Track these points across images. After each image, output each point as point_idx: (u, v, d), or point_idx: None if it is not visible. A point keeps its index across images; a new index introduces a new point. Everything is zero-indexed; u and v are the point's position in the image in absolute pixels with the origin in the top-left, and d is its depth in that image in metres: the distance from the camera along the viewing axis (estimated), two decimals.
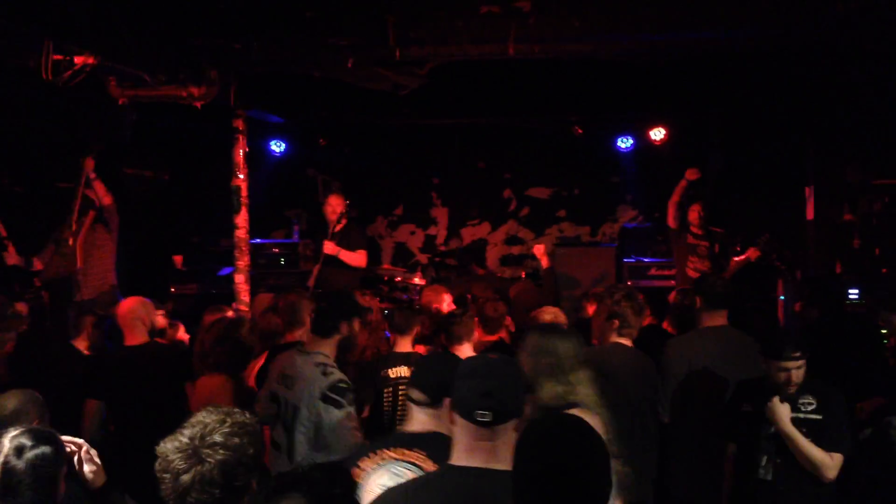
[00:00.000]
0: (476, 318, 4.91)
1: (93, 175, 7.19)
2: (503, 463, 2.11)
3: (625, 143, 10.01)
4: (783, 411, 3.65)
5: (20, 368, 5.13)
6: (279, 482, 2.24)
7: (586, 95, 8.52)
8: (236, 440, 2.14)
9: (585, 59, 6.61)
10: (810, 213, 8.45)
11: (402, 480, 2.53)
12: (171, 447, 2.12)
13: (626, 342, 4.24)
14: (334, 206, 7.96)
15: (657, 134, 9.45)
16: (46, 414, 3.43)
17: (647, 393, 4.23)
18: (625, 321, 4.22)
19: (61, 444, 2.53)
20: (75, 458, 2.61)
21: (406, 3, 5.63)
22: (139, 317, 4.95)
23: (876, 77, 6.93)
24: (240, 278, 7.26)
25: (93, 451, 2.66)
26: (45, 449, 2.44)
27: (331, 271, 7.70)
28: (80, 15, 4.58)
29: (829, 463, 3.60)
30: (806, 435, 3.62)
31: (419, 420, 2.75)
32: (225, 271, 8.74)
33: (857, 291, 7.30)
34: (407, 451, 2.69)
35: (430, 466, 2.60)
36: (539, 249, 7.43)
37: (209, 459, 2.09)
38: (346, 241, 7.84)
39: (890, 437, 3.12)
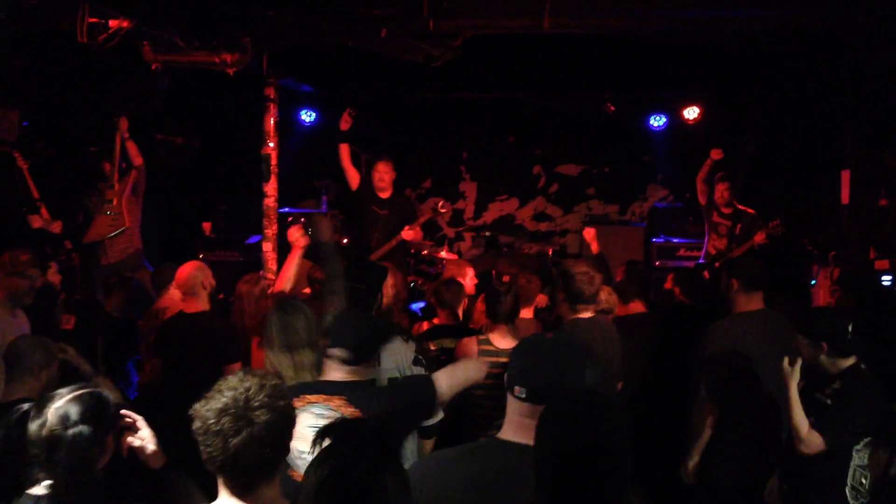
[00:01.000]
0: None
1: (126, 135, 7.26)
2: None
3: (657, 121, 9.89)
4: (796, 374, 3.63)
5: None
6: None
7: (620, 72, 8.42)
8: (280, 402, 2.19)
9: (621, 36, 6.53)
10: (845, 198, 8.30)
11: (324, 421, 2.73)
12: (212, 409, 2.13)
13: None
14: (382, 173, 7.67)
15: (691, 113, 9.32)
16: (54, 363, 3.46)
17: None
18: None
19: (105, 417, 2.49)
20: (132, 441, 2.59)
21: None
22: (199, 282, 4.94)
23: None
24: (267, 247, 7.30)
25: (147, 432, 2.63)
26: (83, 428, 2.43)
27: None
28: None
29: (804, 436, 3.54)
30: (814, 415, 3.60)
31: (339, 372, 3.02)
32: (253, 239, 8.79)
33: (890, 278, 7.19)
34: (327, 397, 2.94)
35: (349, 410, 2.88)
36: (589, 233, 7.08)
37: (258, 420, 2.12)
38: (398, 215, 7.67)
39: None
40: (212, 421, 2.11)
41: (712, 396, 4.26)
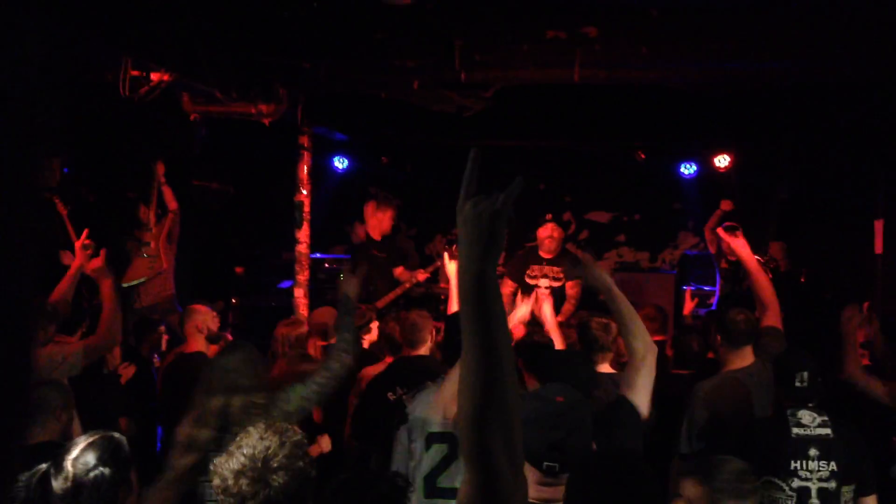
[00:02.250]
0: None
1: (163, 180, 7.42)
2: None
3: (688, 169, 9.90)
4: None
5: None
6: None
7: (651, 120, 8.46)
8: (299, 463, 2.20)
9: (652, 86, 6.58)
10: (879, 247, 8.22)
11: None
12: (231, 468, 2.15)
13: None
14: (380, 219, 7.89)
15: (722, 161, 9.31)
16: (71, 404, 3.53)
17: None
18: None
19: (122, 457, 2.56)
20: None
21: (473, 26, 5.67)
22: (195, 324, 5.13)
23: None
24: (299, 292, 7.37)
25: None
26: (102, 470, 2.48)
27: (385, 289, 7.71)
28: (158, 33, 4.74)
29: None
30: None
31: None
32: (285, 284, 8.88)
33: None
34: None
35: None
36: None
37: (275, 483, 2.14)
38: (398, 257, 7.86)
39: None
40: (231, 482, 2.14)
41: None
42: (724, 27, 5.43)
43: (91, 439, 2.55)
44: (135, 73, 4.81)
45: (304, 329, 5.39)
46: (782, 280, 7.81)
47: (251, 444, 2.19)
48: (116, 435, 2.63)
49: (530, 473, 2.13)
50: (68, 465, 2.47)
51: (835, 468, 3.47)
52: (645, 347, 3.30)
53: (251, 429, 2.26)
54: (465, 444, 1.49)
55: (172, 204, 7.58)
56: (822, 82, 6.40)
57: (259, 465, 2.15)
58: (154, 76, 4.82)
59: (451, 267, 5.11)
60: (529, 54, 5.67)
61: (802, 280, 8.42)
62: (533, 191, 10.70)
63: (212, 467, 2.21)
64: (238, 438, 2.23)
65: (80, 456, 2.49)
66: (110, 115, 6.54)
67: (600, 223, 10.71)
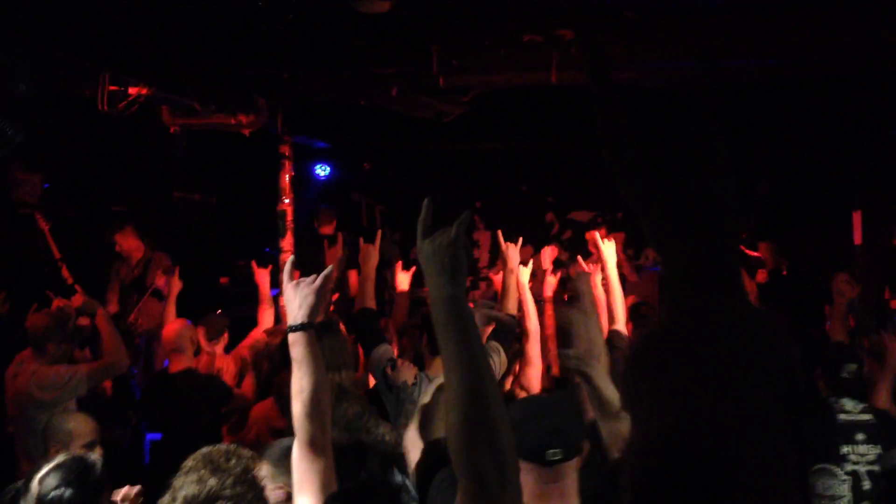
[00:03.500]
0: None
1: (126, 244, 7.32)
2: (573, 502, 2.10)
3: None
4: None
5: None
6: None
7: (630, 118, 8.50)
8: (249, 496, 2.18)
9: (629, 86, 6.62)
10: (858, 238, 8.32)
11: None
12: None
13: None
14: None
15: None
16: (98, 437, 3.53)
17: None
18: None
19: (90, 480, 2.55)
20: None
21: (450, 32, 5.69)
22: (187, 338, 5.10)
23: None
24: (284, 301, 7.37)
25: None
26: (64, 491, 2.48)
27: None
28: (136, 48, 4.73)
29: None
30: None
31: None
32: (273, 293, 8.85)
33: None
34: None
35: None
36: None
37: None
38: None
39: None
40: None
41: None
42: (699, 27, 5.48)
43: (61, 460, 2.56)
44: (113, 87, 4.79)
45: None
46: (770, 277, 7.89)
47: (191, 486, 2.16)
48: (91, 457, 2.63)
49: (530, 477, 2.09)
50: (34, 484, 2.48)
51: (881, 451, 3.59)
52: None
53: (189, 462, 2.22)
54: (454, 456, 1.57)
55: (138, 253, 7.44)
56: (800, 78, 6.47)
57: None
58: (132, 90, 4.81)
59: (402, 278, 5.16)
60: (507, 58, 5.70)
61: (784, 273, 8.49)
62: (515, 193, 10.75)
63: None
64: (178, 474, 2.20)
65: (46, 476, 2.50)
66: (90, 130, 6.53)
67: (583, 222, 10.76)
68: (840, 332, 4.72)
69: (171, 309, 5.65)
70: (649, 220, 1.55)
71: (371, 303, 4.24)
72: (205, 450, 2.35)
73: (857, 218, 8.34)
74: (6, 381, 4.63)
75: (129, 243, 7.36)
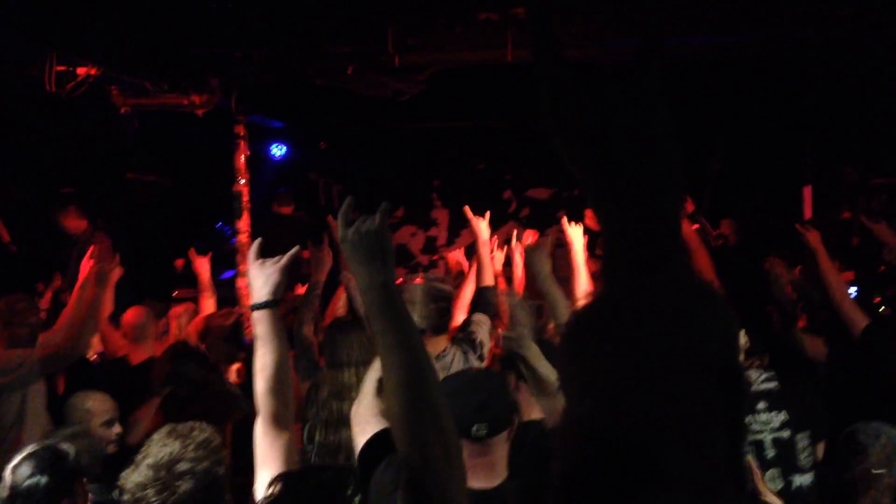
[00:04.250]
0: None
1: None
2: (502, 476, 2.14)
3: None
4: None
5: None
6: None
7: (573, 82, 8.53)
8: (205, 464, 2.18)
9: (584, 64, 6.65)
10: (808, 213, 8.49)
11: None
12: (136, 480, 2.12)
13: None
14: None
15: None
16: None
17: None
18: None
19: (63, 468, 2.53)
20: None
21: (405, 10, 5.67)
22: (149, 327, 5.00)
23: (873, 77, 6.98)
24: (242, 282, 7.31)
25: None
26: (39, 479, 2.46)
27: None
28: (84, 27, 4.63)
29: None
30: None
31: None
32: (226, 275, 8.78)
33: (854, 289, 7.34)
34: None
35: None
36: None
37: (181, 490, 2.12)
38: None
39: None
40: (138, 494, 2.12)
41: None
42: (650, 3, 5.51)
43: (34, 449, 2.53)
44: (60, 67, 4.69)
45: (236, 319, 5.40)
46: (730, 254, 8.00)
47: (154, 452, 2.17)
48: (64, 446, 2.60)
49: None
50: (7, 474, 2.46)
51: (786, 417, 3.60)
52: None
53: (154, 436, 2.24)
54: (399, 440, 1.60)
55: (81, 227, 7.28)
56: (751, 55, 6.55)
57: (163, 473, 2.12)
58: (80, 70, 4.71)
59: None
60: (462, 37, 5.70)
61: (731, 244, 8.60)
62: (473, 171, 10.77)
63: (119, 483, 2.18)
64: (143, 448, 2.21)
65: (19, 465, 2.47)
66: (38, 111, 6.39)
67: (541, 200, 10.83)
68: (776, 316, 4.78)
69: (109, 295, 5.34)
70: (590, 186, 1.51)
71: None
72: (170, 425, 2.37)
73: (807, 193, 8.50)
74: None
75: (73, 223, 7.23)
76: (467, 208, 4.82)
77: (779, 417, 3.59)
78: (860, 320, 4.28)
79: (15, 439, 3.99)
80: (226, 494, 2.26)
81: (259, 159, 9.47)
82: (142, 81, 5.40)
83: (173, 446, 2.18)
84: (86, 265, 4.35)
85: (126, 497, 2.15)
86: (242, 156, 7.15)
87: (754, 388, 3.64)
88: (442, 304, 3.88)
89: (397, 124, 9.19)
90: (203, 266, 5.90)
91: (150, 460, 2.16)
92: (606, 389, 1.26)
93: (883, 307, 5.37)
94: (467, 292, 4.79)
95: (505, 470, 2.14)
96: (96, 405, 3.45)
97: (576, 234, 4.62)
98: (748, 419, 3.56)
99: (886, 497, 2.63)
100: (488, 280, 4.36)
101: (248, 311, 6.43)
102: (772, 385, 3.65)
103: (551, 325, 3.90)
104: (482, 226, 4.58)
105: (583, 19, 5.55)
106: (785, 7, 5.58)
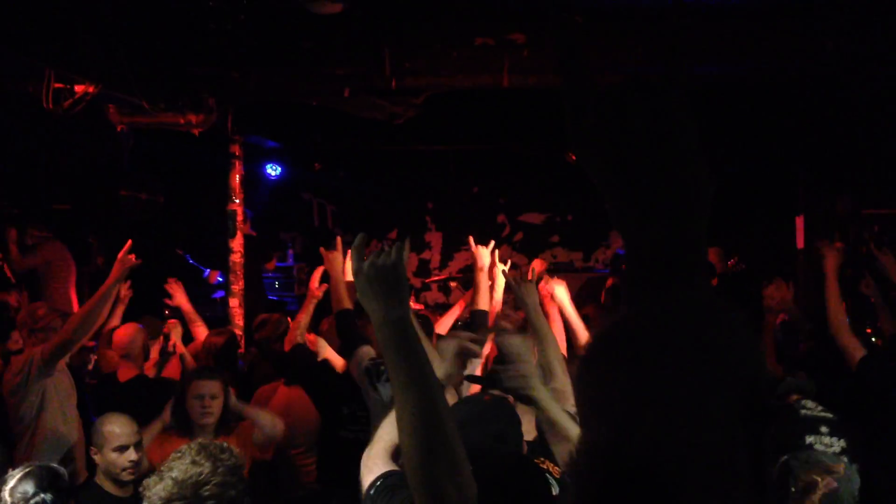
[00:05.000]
0: None
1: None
2: None
3: None
4: None
5: None
6: None
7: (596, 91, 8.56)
8: (231, 492, 2.16)
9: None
10: (800, 242, 8.52)
11: None
12: (161, 494, 2.11)
13: None
14: None
15: None
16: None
17: None
18: None
19: (61, 485, 2.52)
20: None
21: (402, 34, 5.71)
22: (139, 345, 5.02)
23: (866, 109, 7.03)
24: (234, 302, 7.30)
25: None
26: (43, 497, 2.44)
27: None
28: (82, 45, 4.65)
29: None
30: None
31: None
32: (219, 294, 8.77)
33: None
34: None
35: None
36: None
37: None
38: None
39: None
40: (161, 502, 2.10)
41: None
42: (648, 32, 5.57)
43: (28, 469, 2.51)
44: (58, 84, 4.70)
45: (229, 337, 5.41)
46: (720, 281, 8.01)
47: (182, 468, 2.14)
48: (54, 465, 2.60)
49: None
50: (6, 495, 2.43)
51: (845, 445, 3.63)
52: (561, 366, 3.15)
53: (184, 448, 2.22)
54: (413, 479, 1.55)
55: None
56: (744, 84, 6.61)
57: (188, 493, 2.10)
58: (78, 88, 4.72)
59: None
60: (459, 61, 5.74)
61: (733, 271, 8.64)
62: (467, 194, 10.79)
63: (141, 489, 2.17)
64: (170, 458, 2.19)
65: (18, 485, 2.45)
66: (33, 126, 6.40)
67: (534, 224, 10.85)
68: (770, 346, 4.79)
69: (119, 310, 5.49)
70: (612, 199, 1.44)
71: (347, 304, 4.17)
72: (200, 440, 2.34)
73: (799, 222, 8.53)
74: None
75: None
76: (471, 238, 4.79)
77: (840, 443, 3.62)
78: (857, 350, 4.27)
79: (34, 434, 4.18)
80: None
81: (254, 177, 9.49)
82: (138, 100, 5.41)
83: (203, 467, 2.15)
84: (118, 265, 4.47)
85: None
86: (237, 175, 7.16)
87: (814, 413, 3.68)
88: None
89: (392, 146, 9.21)
90: (181, 297, 5.85)
91: (177, 475, 2.13)
92: (624, 417, 1.21)
93: (875, 338, 5.38)
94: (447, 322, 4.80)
95: None
96: (113, 429, 3.39)
97: (483, 255, 4.50)
98: (811, 439, 3.55)
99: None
100: (482, 305, 4.34)
101: (241, 332, 6.41)
102: (829, 414, 3.70)
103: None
104: (483, 253, 4.52)
105: (604, 46, 5.59)
106: (777, 36, 5.63)
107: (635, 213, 1.41)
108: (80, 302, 7.28)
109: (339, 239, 4.31)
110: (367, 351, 3.97)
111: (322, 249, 4.39)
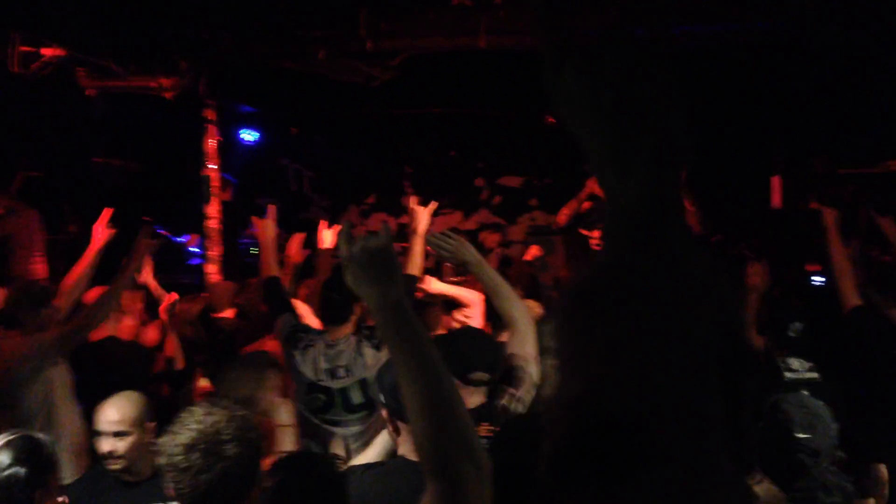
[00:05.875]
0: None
1: None
2: None
3: None
4: None
5: None
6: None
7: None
8: (250, 434, 2.16)
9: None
10: (777, 202, 8.57)
11: None
12: (180, 444, 2.09)
13: None
14: None
15: None
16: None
17: None
18: None
19: (40, 458, 2.47)
20: None
21: None
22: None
23: (843, 68, 7.04)
24: (211, 268, 7.25)
25: None
26: (18, 469, 2.40)
27: None
28: (49, 7, 4.54)
29: None
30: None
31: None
32: (196, 261, 8.70)
33: (822, 279, 7.43)
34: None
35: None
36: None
37: (229, 454, 2.09)
38: None
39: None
40: (180, 457, 2.07)
41: None
42: None
43: (8, 438, 2.46)
44: (25, 48, 4.59)
45: (201, 305, 5.36)
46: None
47: (198, 419, 2.13)
48: (38, 435, 2.54)
49: (410, 433, 2.19)
50: None
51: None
52: (521, 313, 3.12)
53: (194, 407, 2.21)
54: (428, 461, 1.53)
55: None
56: (720, 45, 6.59)
57: (211, 437, 2.09)
58: (46, 51, 4.62)
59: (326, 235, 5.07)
60: (435, 22, 5.67)
61: (713, 241, 8.68)
62: (445, 158, 10.74)
63: (156, 447, 2.15)
64: (180, 417, 2.17)
65: None
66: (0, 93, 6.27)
67: (513, 188, 10.83)
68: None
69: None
70: (592, 153, 1.42)
71: (275, 271, 4.18)
72: (209, 399, 2.33)
73: (776, 183, 8.58)
74: None
75: None
76: (412, 199, 4.69)
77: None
78: (853, 300, 4.32)
79: (43, 425, 3.83)
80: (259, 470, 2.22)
81: (230, 143, 9.38)
82: (108, 63, 5.31)
83: (218, 416, 2.14)
84: (97, 234, 4.35)
85: (166, 460, 2.08)
86: (211, 140, 7.07)
87: (798, 375, 3.71)
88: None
89: (369, 110, 9.13)
90: (147, 275, 5.68)
91: (194, 426, 2.11)
92: (599, 366, 1.21)
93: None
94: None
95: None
96: (99, 410, 3.24)
97: (422, 217, 4.36)
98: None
99: (809, 460, 2.72)
100: (414, 270, 4.26)
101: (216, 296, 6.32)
102: (814, 375, 3.74)
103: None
104: (423, 216, 4.37)
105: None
106: None
107: (614, 166, 1.40)
108: (49, 272, 7.19)
109: (272, 207, 4.28)
110: (288, 319, 4.01)
111: (253, 217, 4.37)
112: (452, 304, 4.42)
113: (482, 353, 2.65)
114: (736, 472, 1.21)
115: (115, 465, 3.07)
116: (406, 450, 2.26)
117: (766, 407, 2.89)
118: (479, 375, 2.57)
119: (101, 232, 4.39)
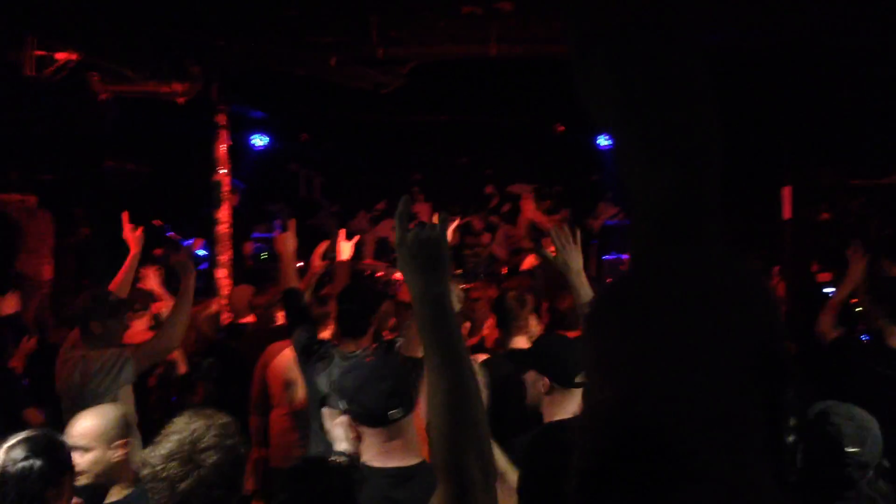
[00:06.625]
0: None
1: None
2: (415, 454, 2.25)
3: (605, 140, 10.09)
4: None
5: None
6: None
7: (568, 94, 8.54)
8: (228, 441, 2.17)
9: (566, 60, 6.66)
10: (787, 213, 8.54)
11: None
12: (160, 455, 2.11)
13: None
14: None
15: None
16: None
17: None
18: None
19: (57, 455, 2.48)
20: None
21: (389, 3, 5.65)
22: None
23: (853, 79, 7.03)
24: (221, 272, 7.28)
25: None
26: (33, 462, 2.41)
27: None
28: (64, 12, 4.58)
29: None
30: None
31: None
32: (204, 266, 8.73)
33: (832, 290, 7.41)
34: None
35: None
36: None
37: (206, 463, 2.10)
38: None
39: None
40: (159, 467, 2.09)
41: None
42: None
43: (28, 434, 2.48)
44: (39, 52, 4.63)
45: (213, 310, 5.36)
46: None
47: (178, 429, 2.16)
48: (58, 436, 2.56)
49: (375, 439, 2.25)
50: (0, 454, 2.41)
51: None
52: None
53: (176, 418, 2.23)
54: (440, 460, 1.54)
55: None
56: (730, 54, 6.58)
57: (187, 446, 2.11)
58: (60, 56, 4.66)
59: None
60: (446, 30, 5.69)
61: None
62: (454, 165, 10.77)
63: (140, 458, 2.18)
64: (165, 428, 2.20)
65: (12, 449, 2.42)
66: (15, 97, 6.31)
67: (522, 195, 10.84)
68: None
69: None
70: (621, 149, 1.35)
71: (295, 283, 4.19)
72: (191, 409, 2.34)
73: (786, 193, 8.55)
74: (57, 368, 3.96)
75: None
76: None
77: None
78: (830, 332, 4.37)
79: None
80: (242, 475, 2.24)
81: (240, 148, 9.43)
82: (122, 68, 5.35)
83: (198, 424, 2.16)
84: (130, 239, 4.50)
85: (148, 471, 2.11)
86: (223, 145, 7.10)
87: None
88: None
89: (379, 117, 9.17)
90: (156, 283, 5.65)
91: (174, 436, 2.13)
92: (631, 375, 1.16)
93: (859, 308, 5.43)
94: None
95: (416, 448, 2.24)
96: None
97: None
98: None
99: (857, 473, 2.66)
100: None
101: (226, 302, 6.36)
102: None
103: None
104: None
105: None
106: (764, 5, 5.61)
107: (644, 158, 1.34)
108: (56, 272, 7.28)
109: (292, 221, 4.29)
110: (305, 330, 4.01)
111: (277, 234, 4.40)
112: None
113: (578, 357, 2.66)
114: (775, 489, 1.18)
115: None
116: (369, 456, 2.27)
117: (812, 417, 2.82)
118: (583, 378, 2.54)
119: (133, 237, 4.54)
